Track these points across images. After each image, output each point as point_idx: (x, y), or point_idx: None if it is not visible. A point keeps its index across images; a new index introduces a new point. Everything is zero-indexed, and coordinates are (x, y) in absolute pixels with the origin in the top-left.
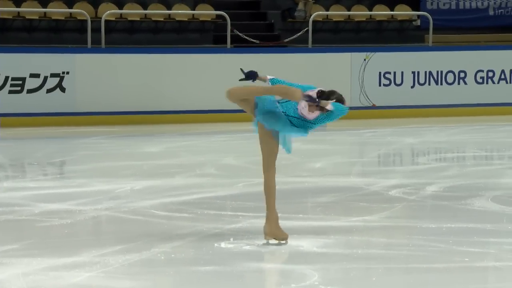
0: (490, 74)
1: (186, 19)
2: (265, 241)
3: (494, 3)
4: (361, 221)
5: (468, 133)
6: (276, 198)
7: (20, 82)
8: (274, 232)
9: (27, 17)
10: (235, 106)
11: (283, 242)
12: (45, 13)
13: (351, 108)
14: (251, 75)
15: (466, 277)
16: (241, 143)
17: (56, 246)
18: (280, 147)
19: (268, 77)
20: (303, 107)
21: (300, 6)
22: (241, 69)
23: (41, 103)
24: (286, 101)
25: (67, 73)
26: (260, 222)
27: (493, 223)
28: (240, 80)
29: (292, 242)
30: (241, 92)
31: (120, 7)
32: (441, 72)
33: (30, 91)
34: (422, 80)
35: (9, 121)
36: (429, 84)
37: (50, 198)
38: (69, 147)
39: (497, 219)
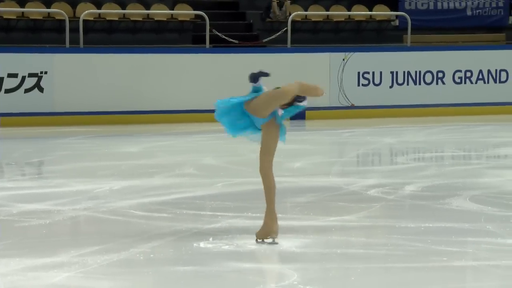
0: (468, 74)
1: (165, 19)
2: (244, 241)
3: (472, 3)
4: (340, 221)
5: (446, 133)
6: (256, 198)
7: None
8: (276, 231)
9: (4, 16)
10: (214, 106)
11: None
12: (23, 12)
13: (330, 108)
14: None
15: (444, 276)
16: (220, 143)
17: (34, 247)
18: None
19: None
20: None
21: (274, 7)
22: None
23: (19, 103)
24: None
25: (45, 73)
26: (239, 222)
27: (471, 222)
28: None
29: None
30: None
31: (99, 7)
32: (420, 72)
33: (8, 91)
34: (400, 80)
35: None
36: (408, 84)
37: (28, 198)
38: (47, 147)
39: (475, 218)
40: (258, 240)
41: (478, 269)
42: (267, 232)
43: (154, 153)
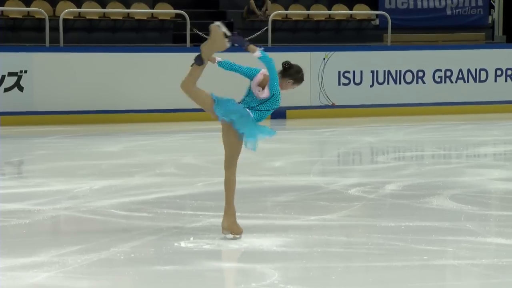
0: (448, 73)
1: (145, 18)
2: (225, 240)
3: (452, 2)
4: (320, 220)
5: (426, 132)
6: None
7: None
8: (231, 227)
9: None
10: (194, 105)
11: (238, 236)
12: (2, 11)
13: (311, 107)
14: (198, 59)
15: (424, 275)
16: (200, 142)
17: (14, 246)
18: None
19: (217, 58)
20: (254, 87)
21: (252, 6)
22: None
23: None
24: (244, 99)
25: (25, 72)
26: (220, 221)
27: (451, 221)
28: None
29: (252, 240)
30: (188, 79)
31: (79, 6)
32: (400, 71)
33: None
34: (381, 79)
35: None
36: (388, 83)
37: (8, 198)
38: (27, 147)
39: (455, 217)
40: (236, 236)
41: (458, 268)
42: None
43: (134, 153)
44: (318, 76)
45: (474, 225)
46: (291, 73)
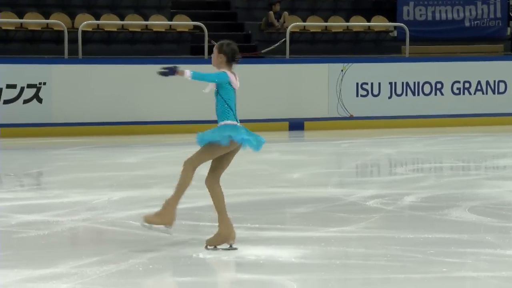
0: (467, 85)
1: (163, 30)
2: (243, 251)
3: (470, 14)
4: (339, 232)
5: (445, 143)
6: (254, 209)
7: None
8: (234, 237)
9: (3, 27)
10: (213, 117)
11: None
12: (21, 23)
13: (329, 119)
14: (170, 71)
15: (443, 287)
16: None
17: (32, 258)
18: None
19: (187, 71)
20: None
21: (271, 18)
22: (159, 71)
23: (18, 113)
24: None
25: (44, 83)
26: (238, 232)
27: (470, 233)
28: (161, 74)
29: (271, 252)
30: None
31: (97, 18)
32: (418, 83)
33: (6, 101)
34: (399, 91)
35: None
36: (406, 95)
37: (27, 209)
38: (46, 158)
39: (474, 229)
40: (209, 247)
41: (477, 280)
42: (223, 239)
43: (152, 164)
44: (336, 88)
45: (493, 237)
46: (226, 51)
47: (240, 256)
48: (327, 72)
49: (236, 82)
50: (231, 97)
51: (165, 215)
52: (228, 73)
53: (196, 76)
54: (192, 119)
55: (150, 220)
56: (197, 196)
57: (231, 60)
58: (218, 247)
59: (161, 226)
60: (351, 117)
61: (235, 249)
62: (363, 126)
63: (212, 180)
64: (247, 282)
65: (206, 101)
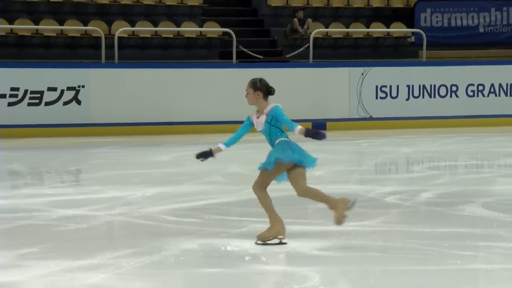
0: (481, 87)
1: (194, 36)
2: (268, 244)
3: (484, 21)
4: (359, 226)
5: (459, 143)
6: (279, 204)
7: (39, 95)
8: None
9: (45, 34)
10: (240, 118)
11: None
12: (61, 30)
13: (349, 119)
14: (206, 155)
15: (458, 279)
16: (246, 152)
17: (72, 249)
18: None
19: (221, 146)
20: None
21: (295, 24)
22: (197, 157)
23: (58, 114)
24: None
25: (83, 86)
26: (264, 226)
27: (484, 228)
28: (200, 159)
29: (294, 245)
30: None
31: (132, 25)
32: (434, 85)
33: (47, 103)
34: (416, 93)
35: (29, 131)
36: (423, 97)
37: (66, 204)
38: (84, 156)
39: (487, 224)
40: (259, 242)
41: (490, 272)
42: (274, 233)
43: (183, 162)
44: (356, 90)
45: (505, 231)
46: (261, 87)
47: (266, 249)
48: (348, 76)
49: (256, 121)
50: (261, 131)
51: (273, 228)
52: (251, 116)
53: (229, 143)
54: (220, 120)
55: (261, 236)
56: (225, 192)
57: (267, 93)
58: (269, 242)
59: (275, 240)
60: (370, 118)
61: (285, 243)
62: (382, 127)
63: (258, 187)
64: (272, 273)
65: (232, 103)
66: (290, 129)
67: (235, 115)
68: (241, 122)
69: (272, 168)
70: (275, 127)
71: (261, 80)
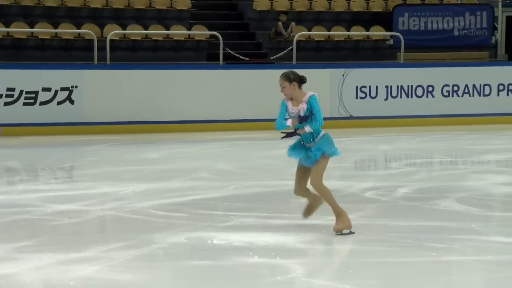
0: (455, 88)
1: (182, 39)
2: (253, 237)
3: (459, 24)
4: None
5: (435, 141)
6: (263, 200)
7: (34, 95)
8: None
9: (40, 37)
10: (228, 116)
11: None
12: (56, 33)
13: (331, 118)
14: (291, 134)
15: (433, 270)
16: (232, 150)
17: (65, 243)
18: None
19: (307, 127)
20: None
21: (280, 28)
22: (283, 137)
23: (52, 114)
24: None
25: (76, 87)
26: (250, 220)
27: (458, 221)
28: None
29: (278, 238)
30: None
31: (124, 28)
32: (412, 86)
33: (42, 103)
34: (394, 93)
35: (24, 130)
36: (401, 97)
37: (60, 200)
38: (78, 154)
39: (461, 218)
40: (337, 233)
41: (464, 264)
42: (343, 226)
43: (173, 159)
44: (337, 90)
45: (478, 225)
46: (295, 78)
47: (250, 242)
48: (330, 77)
49: (293, 109)
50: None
51: (344, 221)
52: (285, 101)
53: (314, 126)
54: (209, 119)
55: (338, 229)
56: (212, 188)
57: (300, 83)
58: (344, 232)
59: (346, 230)
60: (351, 117)
61: (353, 232)
62: (362, 125)
63: (321, 181)
64: (257, 265)
65: (220, 102)
66: (314, 122)
67: (222, 113)
68: (229, 120)
69: (323, 160)
70: (315, 113)
71: (292, 72)
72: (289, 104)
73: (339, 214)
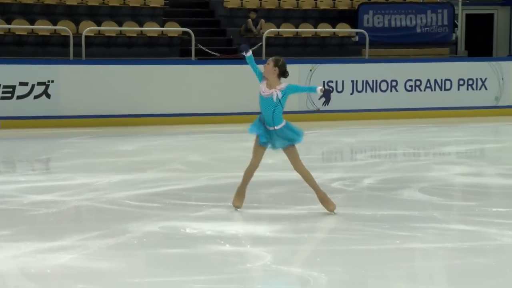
0: (418, 83)
1: (156, 35)
2: (224, 226)
3: (421, 22)
4: (307, 210)
5: (399, 133)
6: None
7: (11, 89)
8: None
9: (17, 33)
10: (200, 110)
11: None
12: (32, 29)
13: (299, 112)
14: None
15: (397, 257)
16: (205, 143)
17: (42, 232)
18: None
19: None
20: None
21: (249, 25)
22: (241, 52)
23: (29, 108)
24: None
25: (52, 81)
26: (221, 210)
27: (420, 210)
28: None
29: (248, 227)
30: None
31: (98, 24)
32: (376, 81)
33: (19, 97)
34: (360, 88)
35: (1, 123)
36: (366, 91)
37: (37, 190)
38: (54, 146)
39: (423, 207)
40: (335, 211)
41: (426, 251)
42: (333, 206)
43: (147, 151)
44: (305, 85)
45: (439, 213)
46: (281, 67)
47: (221, 231)
48: (298, 72)
49: (264, 89)
50: (264, 103)
51: (330, 201)
52: (262, 80)
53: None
54: (182, 112)
55: (332, 208)
56: (185, 179)
57: (281, 73)
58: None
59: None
60: (318, 111)
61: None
62: (328, 119)
63: (302, 165)
64: (228, 253)
65: (191, 97)
66: (311, 90)
67: (195, 107)
68: (201, 114)
69: (293, 148)
70: (281, 107)
71: (283, 61)
72: (264, 84)
73: (324, 196)
